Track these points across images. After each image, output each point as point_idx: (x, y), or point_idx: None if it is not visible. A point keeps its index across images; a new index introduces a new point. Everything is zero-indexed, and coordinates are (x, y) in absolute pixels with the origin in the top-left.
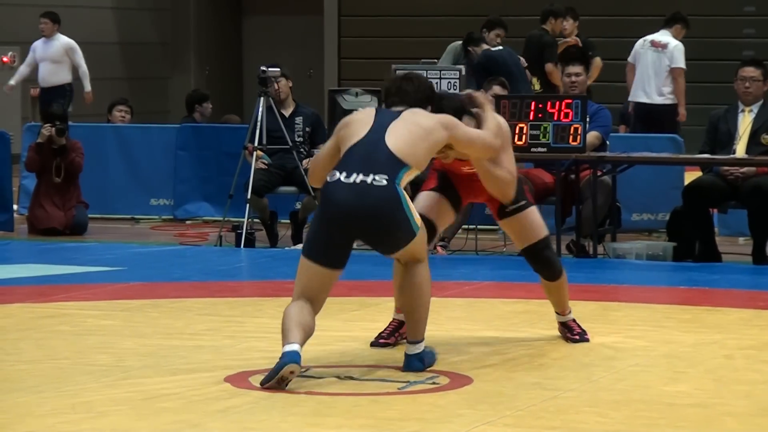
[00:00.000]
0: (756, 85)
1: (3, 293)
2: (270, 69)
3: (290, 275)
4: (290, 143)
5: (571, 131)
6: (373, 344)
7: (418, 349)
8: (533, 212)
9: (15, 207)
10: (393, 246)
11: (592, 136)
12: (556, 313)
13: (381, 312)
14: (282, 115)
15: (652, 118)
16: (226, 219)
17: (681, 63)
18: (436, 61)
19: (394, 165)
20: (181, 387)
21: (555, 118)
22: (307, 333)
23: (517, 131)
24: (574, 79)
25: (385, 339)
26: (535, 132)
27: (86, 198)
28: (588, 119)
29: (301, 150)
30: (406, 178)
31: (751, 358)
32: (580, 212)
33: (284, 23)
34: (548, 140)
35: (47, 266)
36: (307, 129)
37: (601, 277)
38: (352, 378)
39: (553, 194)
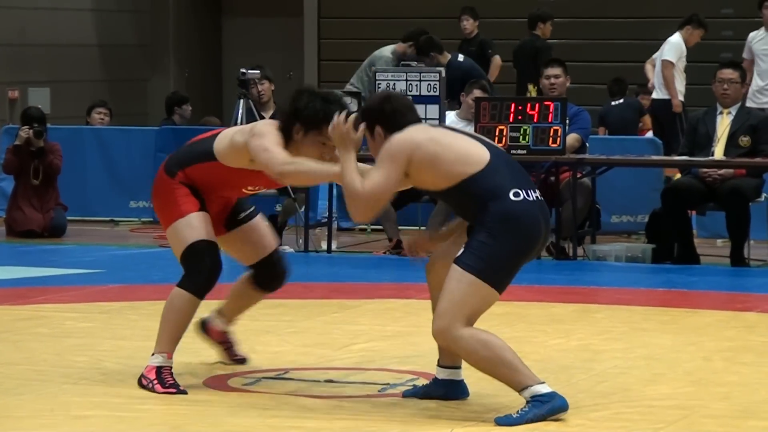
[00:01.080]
0: (734, 88)
1: None
2: (250, 71)
3: None
4: None
5: (551, 133)
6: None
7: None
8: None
9: None
10: None
11: (572, 138)
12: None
13: (361, 314)
14: (262, 117)
15: (655, 114)
16: None
17: (668, 56)
18: (414, 64)
19: None
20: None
21: (535, 120)
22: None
23: (497, 133)
24: (553, 81)
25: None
26: (514, 134)
27: (65, 200)
28: (568, 121)
29: None
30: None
31: (730, 360)
32: (560, 214)
33: (264, 25)
34: (528, 142)
35: (26, 268)
36: None
37: (580, 279)
38: (332, 381)
39: None
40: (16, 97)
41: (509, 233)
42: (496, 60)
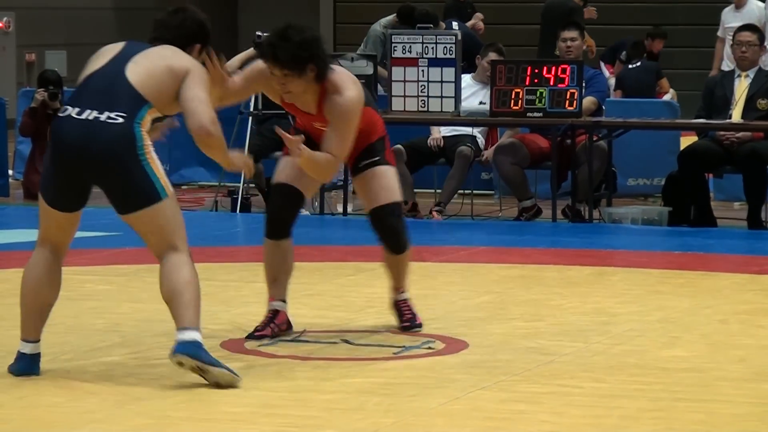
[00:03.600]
0: (752, 50)
1: None
2: (266, 34)
3: None
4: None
5: (567, 96)
6: (249, 337)
7: (190, 336)
8: (388, 172)
9: (11, 172)
10: (125, 204)
11: (588, 101)
12: (392, 288)
13: (377, 277)
14: None
15: None
16: (221, 184)
17: (719, 31)
18: (431, 26)
19: (134, 101)
20: None
21: (551, 83)
22: (45, 315)
23: (513, 96)
24: (569, 44)
25: (261, 331)
26: (530, 97)
27: None
28: (584, 84)
29: None
30: (151, 114)
31: (746, 323)
32: (576, 177)
33: None
34: (544, 105)
35: None
36: None
37: (596, 241)
38: (347, 342)
39: (548, 159)
40: (33, 60)
41: None
42: (478, 16)
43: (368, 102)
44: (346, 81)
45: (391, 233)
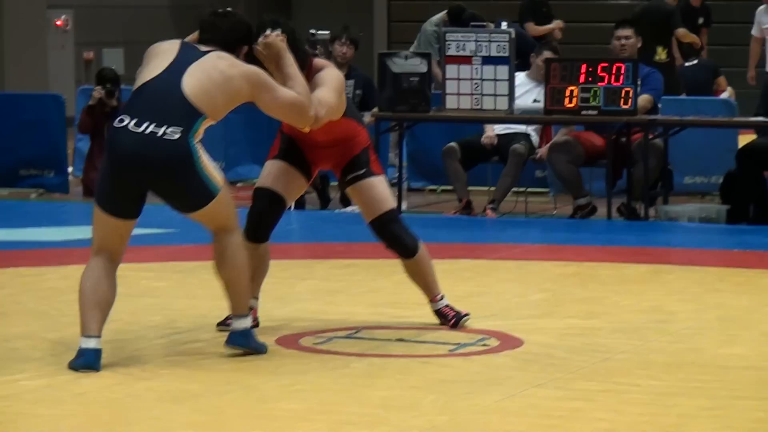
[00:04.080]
0: None
1: (60, 255)
2: (320, 32)
3: (341, 237)
4: None
5: (622, 94)
6: (220, 324)
7: (244, 323)
8: (377, 183)
9: (70, 169)
10: (184, 206)
11: (644, 99)
12: (429, 301)
13: None
14: None
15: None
16: None
17: (753, 30)
18: (486, 24)
19: (189, 114)
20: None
21: (606, 81)
22: (105, 312)
23: (567, 94)
24: (623, 42)
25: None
26: (585, 95)
27: None
28: (639, 82)
29: None
30: (202, 128)
31: None
32: (632, 175)
33: None
34: (599, 103)
35: None
36: (358, 92)
37: (652, 239)
38: (402, 340)
39: (603, 157)
40: (92, 58)
41: None
42: (557, 23)
43: (351, 114)
44: (329, 63)
45: (394, 239)
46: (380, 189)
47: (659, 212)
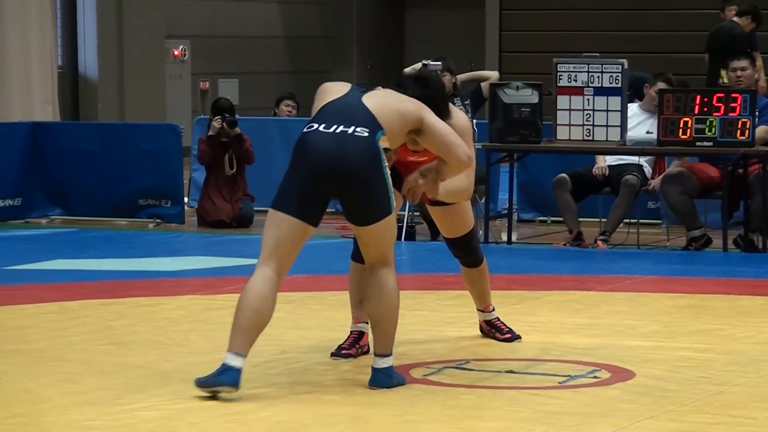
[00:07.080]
0: None
1: (174, 285)
2: (432, 63)
3: (451, 269)
4: None
5: (739, 125)
6: (334, 355)
7: (387, 363)
8: (464, 207)
9: (186, 200)
10: (366, 214)
11: (762, 130)
12: (479, 310)
13: (540, 305)
14: None
15: None
16: None
17: None
18: (597, 55)
19: (373, 122)
20: (343, 379)
21: (721, 112)
22: (259, 331)
23: (681, 125)
24: (740, 73)
25: (347, 350)
26: (700, 126)
27: (252, 191)
28: (757, 113)
29: None
30: (382, 142)
31: None
32: (749, 206)
33: (446, 17)
34: (714, 134)
35: (216, 258)
36: (467, 102)
37: None
38: (512, 372)
39: (718, 188)
40: (207, 88)
41: None
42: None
43: None
44: (454, 108)
45: (470, 250)
46: (466, 214)
47: None
